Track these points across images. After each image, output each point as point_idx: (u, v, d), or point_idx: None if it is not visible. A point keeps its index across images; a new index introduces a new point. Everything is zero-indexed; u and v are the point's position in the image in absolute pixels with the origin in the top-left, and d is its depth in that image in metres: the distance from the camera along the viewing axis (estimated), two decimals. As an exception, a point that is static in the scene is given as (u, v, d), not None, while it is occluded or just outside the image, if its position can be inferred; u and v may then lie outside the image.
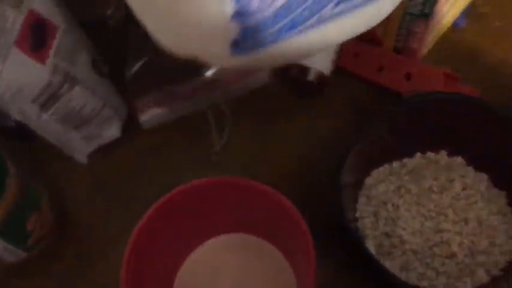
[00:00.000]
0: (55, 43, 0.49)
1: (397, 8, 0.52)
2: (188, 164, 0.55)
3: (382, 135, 0.49)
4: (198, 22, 0.31)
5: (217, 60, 0.36)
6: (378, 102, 0.57)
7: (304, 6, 0.35)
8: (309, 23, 0.36)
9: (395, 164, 0.51)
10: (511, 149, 0.47)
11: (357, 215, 0.48)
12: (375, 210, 0.47)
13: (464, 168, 0.50)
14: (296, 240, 0.40)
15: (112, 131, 0.56)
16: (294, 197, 0.41)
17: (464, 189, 0.48)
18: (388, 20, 0.55)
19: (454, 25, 0.60)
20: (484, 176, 0.49)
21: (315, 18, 0.36)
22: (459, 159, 0.50)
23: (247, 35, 0.33)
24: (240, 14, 0.31)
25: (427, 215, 0.46)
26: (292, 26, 0.35)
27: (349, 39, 0.41)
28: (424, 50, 0.58)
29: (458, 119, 0.49)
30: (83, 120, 0.53)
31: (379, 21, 0.42)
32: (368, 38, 0.59)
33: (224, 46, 0.33)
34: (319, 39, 0.38)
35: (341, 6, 0.37)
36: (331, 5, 0.36)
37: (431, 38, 0.57)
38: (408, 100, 0.50)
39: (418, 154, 0.51)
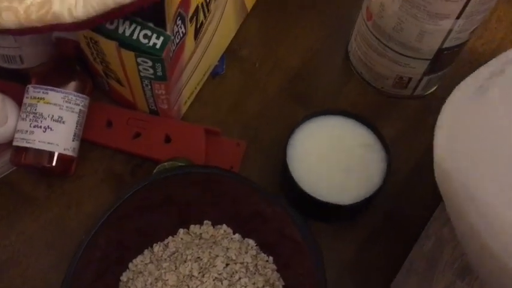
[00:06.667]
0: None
1: (132, 72, 0.47)
2: None
3: (130, 220, 0.43)
4: None
5: None
6: (139, 174, 0.51)
7: None
8: None
9: (157, 248, 0.45)
10: (268, 213, 0.44)
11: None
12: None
13: (230, 237, 0.46)
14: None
15: None
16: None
17: (227, 265, 0.43)
18: (129, 83, 0.49)
19: (214, 73, 0.57)
20: (251, 242, 0.45)
21: None
22: (224, 228, 0.46)
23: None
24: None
25: (187, 308, 0.41)
26: None
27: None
28: (181, 108, 0.53)
29: (210, 191, 0.44)
30: None
31: None
32: (121, 103, 0.53)
33: None
34: None
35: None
36: None
37: (185, 95, 0.52)
38: (152, 178, 0.44)
39: (181, 230, 0.46)
